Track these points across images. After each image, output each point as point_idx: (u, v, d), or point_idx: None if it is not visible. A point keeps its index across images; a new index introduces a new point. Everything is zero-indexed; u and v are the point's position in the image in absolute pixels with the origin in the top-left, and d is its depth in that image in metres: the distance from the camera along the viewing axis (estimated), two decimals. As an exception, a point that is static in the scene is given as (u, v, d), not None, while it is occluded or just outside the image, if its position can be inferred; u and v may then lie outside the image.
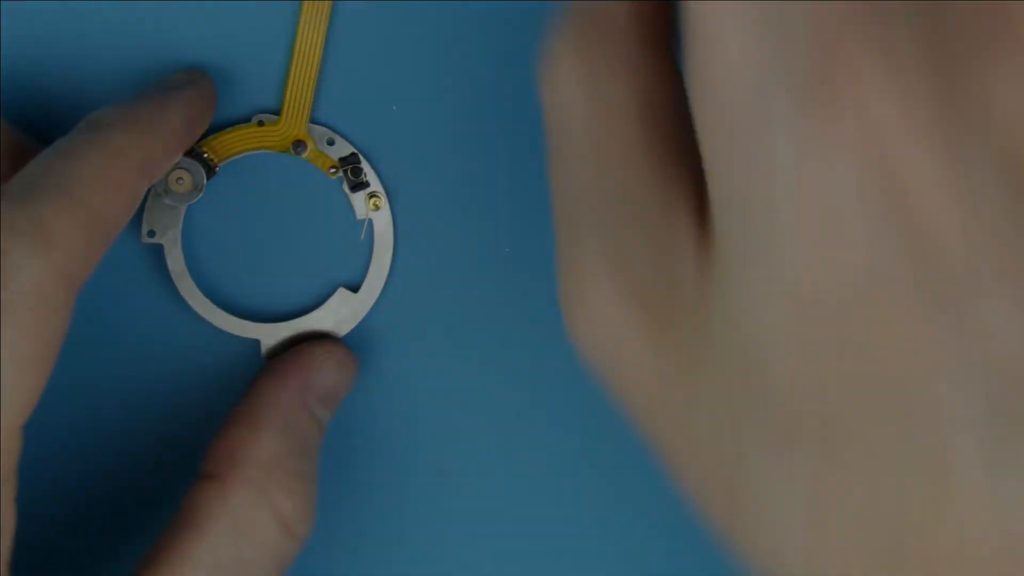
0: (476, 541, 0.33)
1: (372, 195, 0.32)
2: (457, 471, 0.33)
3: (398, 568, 0.32)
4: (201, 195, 0.30)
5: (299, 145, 0.31)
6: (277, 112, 0.31)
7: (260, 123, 0.31)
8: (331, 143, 0.32)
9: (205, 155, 0.31)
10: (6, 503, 0.25)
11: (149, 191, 0.30)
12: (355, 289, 0.32)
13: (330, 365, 0.31)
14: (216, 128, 0.31)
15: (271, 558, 0.28)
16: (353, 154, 0.32)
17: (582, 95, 0.23)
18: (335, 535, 0.32)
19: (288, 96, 0.31)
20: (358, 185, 0.32)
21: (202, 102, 0.30)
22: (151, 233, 0.31)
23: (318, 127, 0.32)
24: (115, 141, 0.27)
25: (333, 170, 0.32)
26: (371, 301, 0.32)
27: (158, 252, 0.31)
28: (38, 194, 0.25)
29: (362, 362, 0.32)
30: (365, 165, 0.32)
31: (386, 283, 0.32)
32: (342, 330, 0.32)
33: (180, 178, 0.30)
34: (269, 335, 0.32)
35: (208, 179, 0.31)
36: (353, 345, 0.32)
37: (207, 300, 0.32)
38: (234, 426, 0.29)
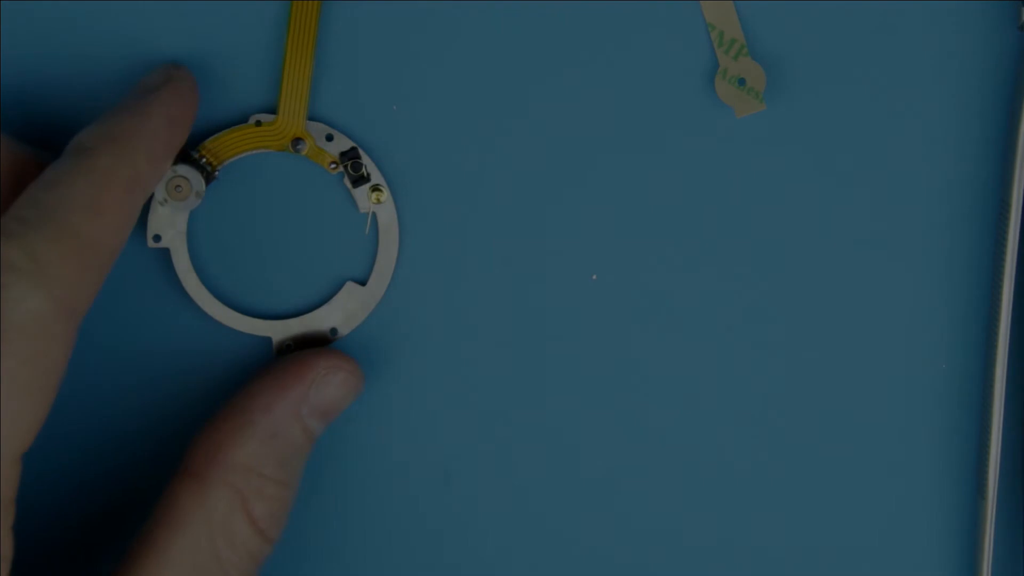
0: (480, 537, 0.33)
1: (375, 188, 0.32)
2: (463, 468, 0.33)
3: (401, 567, 0.33)
4: (201, 201, 0.31)
5: (298, 142, 0.31)
6: (274, 111, 0.31)
7: (258, 123, 0.31)
8: (330, 139, 0.32)
9: (204, 160, 0.31)
10: (5, 531, 0.26)
11: (151, 198, 0.31)
12: (363, 283, 0.32)
13: (333, 380, 0.30)
14: (214, 130, 0.31)
15: (246, 557, 0.29)
16: (353, 148, 0.32)
17: None
18: (338, 531, 0.33)
19: (284, 94, 0.31)
20: (359, 179, 0.32)
21: (182, 98, 0.30)
22: (156, 238, 0.31)
23: (316, 123, 0.31)
24: (100, 164, 0.27)
25: (333, 166, 0.32)
26: (379, 294, 0.32)
27: (165, 256, 0.32)
28: (30, 228, 0.25)
29: (371, 355, 0.32)
30: (365, 159, 0.32)
31: (393, 275, 0.32)
32: (351, 323, 0.32)
33: (179, 186, 0.30)
34: (279, 332, 0.32)
35: (208, 184, 0.31)
36: (362, 338, 0.32)
37: (216, 300, 0.32)
38: (223, 423, 0.30)
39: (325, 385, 0.30)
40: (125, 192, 0.27)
